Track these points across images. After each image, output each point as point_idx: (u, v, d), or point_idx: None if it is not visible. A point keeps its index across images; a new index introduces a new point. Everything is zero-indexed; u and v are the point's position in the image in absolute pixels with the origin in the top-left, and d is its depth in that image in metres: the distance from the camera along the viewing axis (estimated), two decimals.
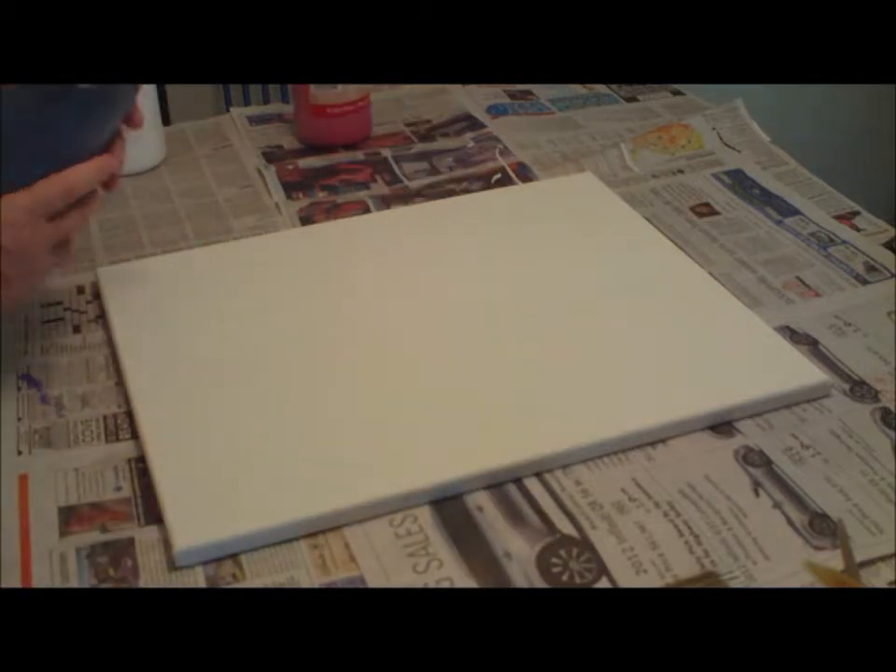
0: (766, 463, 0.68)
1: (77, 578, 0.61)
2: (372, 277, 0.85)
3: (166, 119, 1.15)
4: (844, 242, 0.90)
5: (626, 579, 0.60)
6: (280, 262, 0.88)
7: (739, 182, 1.00)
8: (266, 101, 1.88)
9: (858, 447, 0.69)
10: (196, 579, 0.61)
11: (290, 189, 1.02)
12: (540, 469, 0.67)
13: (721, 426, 0.71)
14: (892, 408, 0.72)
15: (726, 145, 1.06)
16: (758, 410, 0.72)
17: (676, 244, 0.89)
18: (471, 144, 1.08)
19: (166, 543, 0.63)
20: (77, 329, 0.82)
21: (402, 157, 1.07)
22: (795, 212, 0.95)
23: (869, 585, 0.59)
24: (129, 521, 0.65)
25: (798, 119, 2.00)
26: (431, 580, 0.61)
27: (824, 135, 2.12)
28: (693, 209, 0.96)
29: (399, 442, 0.69)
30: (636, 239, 0.90)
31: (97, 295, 0.86)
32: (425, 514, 0.65)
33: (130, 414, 0.73)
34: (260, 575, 0.61)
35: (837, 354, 0.77)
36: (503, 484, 0.67)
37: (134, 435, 0.71)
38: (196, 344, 0.78)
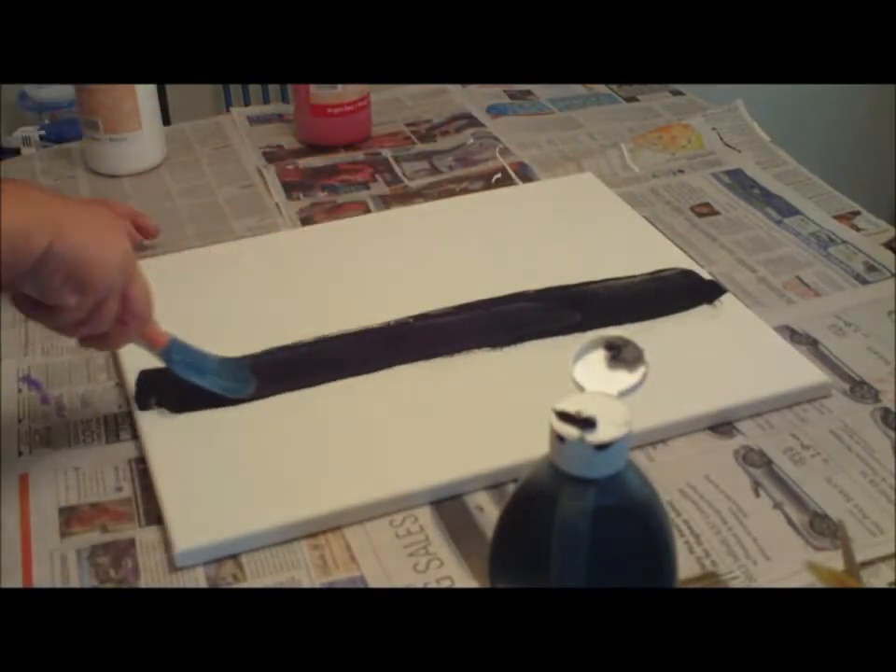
0: (766, 463, 0.68)
1: (78, 578, 0.61)
2: (373, 277, 0.85)
3: (166, 119, 1.14)
4: (844, 242, 0.90)
5: None
6: (280, 263, 0.88)
7: (739, 182, 1.00)
8: (266, 101, 1.89)
9: (858, 447, 0.69)
10: (197, 579, 0.61)
11: (290, 189, 1.01)
12: None
13: (721, 426, 0.71)
14: (893, 408, 0.72)
15: (726, 145, 1.06)
16: (758, 410, 0.72)
17: (676, 244, 0.89)
18: (471, 143, 1.08)
19: (167, 544, 0.63)
20: None
21: (402, 157, 1.07)
22: (795, 212, 0.95)
23: (869, 585, 0.59)
24: (129, 521, 0.65)
25: (798, 119, 2.00)
26: (432, 579, 0.61)
27: (824, 135, 2.12)
28: (693, 209, 0.96)
29: (400, 443, 0.69)
30: (636, 239, 0.89)
31: None
32: (425, 514, 0.65)
33: (130, 414, 0.73)
34: (261, 575, 0.61)
35: (837, 354, 0.77)
36: (503, 485, 0.67)
37: (134, 435, 0.71)
38: (196, 345, 0.78)
